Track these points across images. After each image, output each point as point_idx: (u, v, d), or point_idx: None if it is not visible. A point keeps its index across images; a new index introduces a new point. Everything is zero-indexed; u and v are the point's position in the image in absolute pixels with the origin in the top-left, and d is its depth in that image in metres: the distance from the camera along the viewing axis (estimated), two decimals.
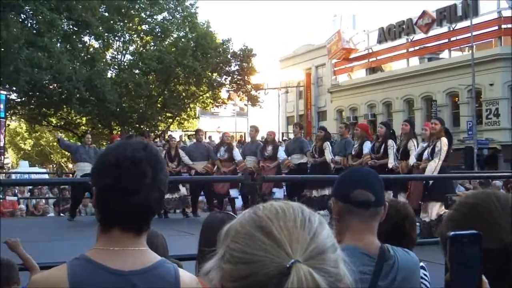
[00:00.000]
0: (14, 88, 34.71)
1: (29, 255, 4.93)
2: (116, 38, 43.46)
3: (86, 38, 41.89)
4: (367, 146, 13.90)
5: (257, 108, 48.19)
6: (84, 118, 42.93)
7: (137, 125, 42.02)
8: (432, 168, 11.29)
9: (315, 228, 1.26)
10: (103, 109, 38.25)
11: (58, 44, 36.80)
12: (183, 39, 42.52)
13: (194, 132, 40.33)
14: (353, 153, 14.19)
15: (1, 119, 22.64)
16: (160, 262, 2.11)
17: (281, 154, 15.77)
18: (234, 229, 1.29)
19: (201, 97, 46.51)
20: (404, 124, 13.60)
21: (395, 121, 43.91)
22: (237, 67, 44.87)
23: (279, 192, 15.39)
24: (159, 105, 44.08)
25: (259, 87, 47.27)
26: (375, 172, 2.97)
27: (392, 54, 46.98)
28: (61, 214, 16.08)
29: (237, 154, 15.98)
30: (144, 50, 42.73)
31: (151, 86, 43.16)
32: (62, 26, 37.10)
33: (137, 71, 41.72)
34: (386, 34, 46.45)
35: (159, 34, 43.44)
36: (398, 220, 3.51)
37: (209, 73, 43.41)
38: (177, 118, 46.24)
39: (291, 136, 33.51)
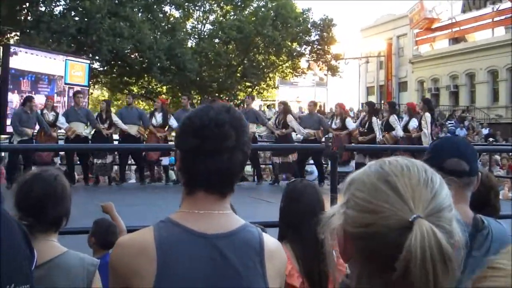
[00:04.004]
0: (97, 57, 35.43)
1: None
2: (197, 7, 43.81)
3: (166, 8, 42.53)
4: (350, 122, 16.59)
5: (337, 78, 48.07)
6: (164, 87, 43.49)
7: (216, 94, 42.28)
8: (427, 137, 14.37)
9: (436, 187, 1.36)
10: (183, 78, 38.68)
11: (140, 14, 37.40)
12: (263, 9, 42.56)
13: (273, 102, 40.59)
14: (334, 127, 16.46)
15: (85, 88, 23.14)
16: (244, 226, 2.13)
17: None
18: (359, 179, 1.42)
19: (280, 67, 46.56)
20: (387, 104, 17.46)
21: (478, 92, 42.99)
22: (317, 37, 44.67)
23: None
24: (238, 75, 44.28)
25: (339, 57, 46.84)
26: (468, 141, 2.96)
27: (476, 24, 45.48)
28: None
29: (172, 121, 16.42)
30: (224, 20, 42.93)
31: (230, 55, 43.42)
32: None
33: (217, 41, 42.02)
34: (471, 3, 45.10)
35: (239, 4, 43.61)
36: (483, 190, 3.44)
37: (289, 43, 43.36)
38: (256, 87, 46.33)
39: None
